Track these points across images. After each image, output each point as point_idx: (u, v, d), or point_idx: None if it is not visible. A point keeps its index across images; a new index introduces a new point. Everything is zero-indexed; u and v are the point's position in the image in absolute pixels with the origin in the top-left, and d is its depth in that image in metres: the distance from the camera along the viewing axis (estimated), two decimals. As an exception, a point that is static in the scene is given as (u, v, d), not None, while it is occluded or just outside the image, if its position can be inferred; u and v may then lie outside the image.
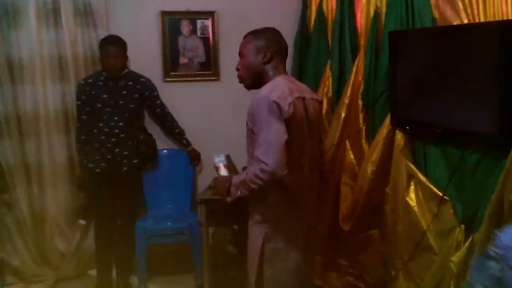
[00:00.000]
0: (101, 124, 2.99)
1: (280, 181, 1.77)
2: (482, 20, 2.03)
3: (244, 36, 2.01)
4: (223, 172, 2.02)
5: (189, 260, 3.19)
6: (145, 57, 3.33)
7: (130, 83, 3.08)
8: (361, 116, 2.68)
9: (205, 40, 3.43)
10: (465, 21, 2.04)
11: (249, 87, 2.00)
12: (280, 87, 1.83)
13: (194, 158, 3.39)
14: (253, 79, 1.96)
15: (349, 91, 2.73)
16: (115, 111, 3.00)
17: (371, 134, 2.61)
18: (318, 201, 2.08)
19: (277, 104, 1.75)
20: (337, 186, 2.80)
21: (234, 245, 2.12)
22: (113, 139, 3.01)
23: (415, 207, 2.26)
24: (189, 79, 3.46)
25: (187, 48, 3.43)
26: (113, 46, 2.94)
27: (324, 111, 2.98)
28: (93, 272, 3.27)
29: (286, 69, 2.04)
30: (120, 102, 3.01)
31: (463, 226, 2.02)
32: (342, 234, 2.74)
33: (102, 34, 3.12)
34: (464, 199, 2.03)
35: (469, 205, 1.99)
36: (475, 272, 1.44)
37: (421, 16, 2.26)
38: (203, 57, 3.45)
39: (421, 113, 2.23)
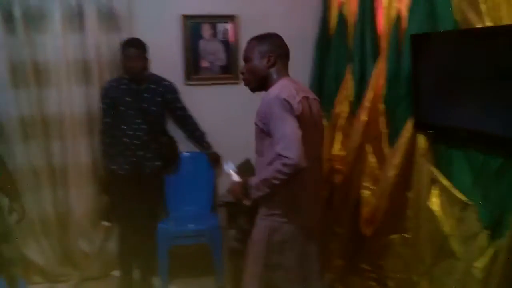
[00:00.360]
0: (124, 127, 3.04)
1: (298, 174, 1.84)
2: (506, 22, 1.99)
3: (248, 42, 2.11)
4: (236, 178, 2.11)
5: (210, 262, 3.21)
6: (167, 60, 3.37)
7: (153, 86, 3.11)
8: (382, 119, 2.66)
9: (225, 43, 3.46)
10: (489, 24, 2.01)
11: (254, 90, 2.11)
12: (288, 88, 1.94)
13: (215, 160, 3.42)
14: (258, 82, 2.07)
15: (370, 95, 2.71)
16: (138, 114, 3.04)
17: (393, 138, 2.59)
18: (320, 198, 2.20)
19: (288, 102, 1.86)
20: (357, 190, 2.78)
21: (239, 242, 2.20)
22: (136, 142, 3.05)
23: (438, 212, 2.23)
24: (210, 82, 3.49)
25: (208, 51, 3.46)
26: (134, 48, 2.99)
27: (345, 115, 2.98)
28: (116, 273, 3.33)
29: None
30: (143, 105, 3.05)
31: (487, 231, 1.98)
32: (364, 238, 2.73)
33: (125, 37, 3.15)
34: (489, 204, 2.00)
35: (494, 210, 1.96)
36: None
37: (443, 19, 2.23)
38: (223, 60, 3.48)
39: (444, 117, 2.20)
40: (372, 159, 2.72)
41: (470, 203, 2.07)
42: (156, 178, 3.20)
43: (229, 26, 3.45)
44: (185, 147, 3.47)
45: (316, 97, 2.15)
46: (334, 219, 3.06)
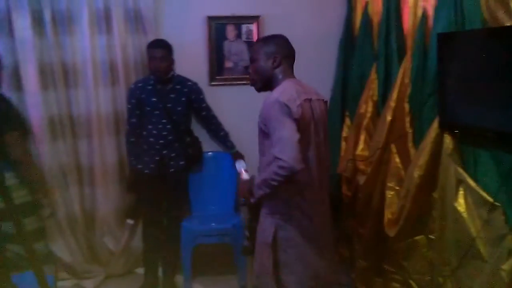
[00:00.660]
0: (150, 127, 3.08)
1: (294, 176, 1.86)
2: (536, 20, 1.96)
3: (255, 43, 2.17)
4: (245, 176, 2.24)
5: (233, 261, 3.23)
6: (192, 61, 3.41)
7: (178, 87, 3.16)
8: (407, 119, 2.64)
9: (250, 44, 3.48)
10: (519, 22, 1.98)
11: (260, 90, 2.17)
12: (289, 90, 1.97)
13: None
14: (264, 82, 2.12)
15: (395, 94, 2.69)
16: (163, 114, 3.08)
17: (418, 138, 2.56)
18: (326, 199, 2.18)
19: (287, 106, 1.89)
20: (382, 191, 2.76)
21: (248, 240, 2.24)
22: (161, 141, 3.09)
23: (464, 213, 2.19)
24: (234, 82, 3.52)
25: (233, 52, 3.49)
26: (159, 49, 3.03)
27: (370, 115, 2.96)
28: (140, 271, 3.38)
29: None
30: (168, 105, 3.09)
31: (515, 233, 1.95)
32: (388, 239, 2.70)
33: (151, 39, 3.20)
34: (517, 206, 1.96)
35: (522, 212, 1.92)
36: None
37: (471, 17, 2.20)
38: (247, 61, 3.50)
39: (471, 116, 2.17)
40: (396, 159, 2.70)
41: (497, 204, 2.03)
42: (180, 177, 3.23)
43: (253, 26, 3.47)
44: (209, 147, 3.51)
45: (323, 98, 2.16)
46: (358, 219, 3.04)
